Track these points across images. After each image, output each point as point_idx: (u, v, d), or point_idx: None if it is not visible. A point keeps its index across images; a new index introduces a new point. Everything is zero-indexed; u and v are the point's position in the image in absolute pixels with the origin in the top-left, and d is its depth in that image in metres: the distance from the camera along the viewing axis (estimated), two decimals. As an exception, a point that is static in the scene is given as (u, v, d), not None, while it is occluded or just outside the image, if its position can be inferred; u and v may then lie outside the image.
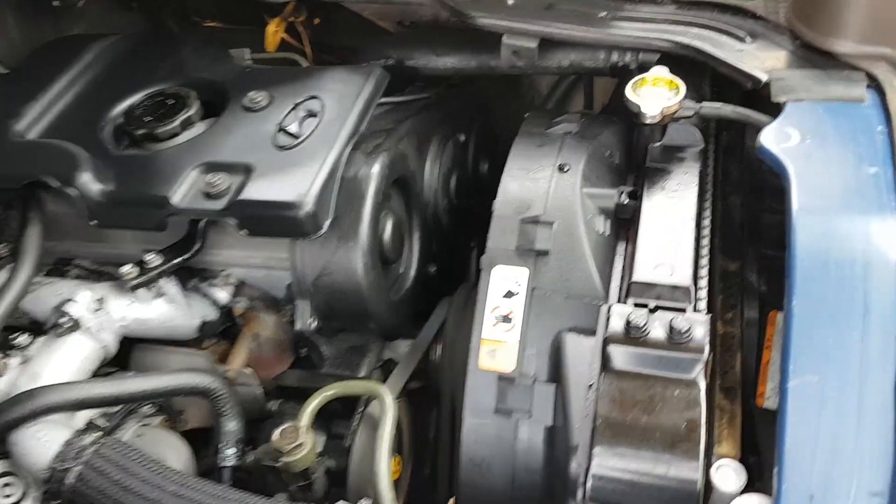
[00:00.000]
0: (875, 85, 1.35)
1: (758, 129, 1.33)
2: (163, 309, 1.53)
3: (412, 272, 1.73)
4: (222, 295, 1.63)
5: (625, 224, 1.45)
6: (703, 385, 1.13)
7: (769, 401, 1.29)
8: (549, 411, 1.25)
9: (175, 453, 1.45)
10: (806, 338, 1.07)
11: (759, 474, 1.15)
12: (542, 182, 1.45)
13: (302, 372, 1.62)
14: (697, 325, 1.17)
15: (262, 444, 1.45)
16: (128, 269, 1.48)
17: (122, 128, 1.65)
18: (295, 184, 1.43)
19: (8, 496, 1.29)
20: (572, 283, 1.35)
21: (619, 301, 1.31)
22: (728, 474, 1.12)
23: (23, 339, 1.42)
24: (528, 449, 1.25)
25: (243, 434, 1.44)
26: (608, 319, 1.22)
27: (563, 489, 1.17)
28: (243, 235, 1.44)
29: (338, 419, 1.54)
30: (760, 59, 1.44)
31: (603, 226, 1.43)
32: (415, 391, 1.68)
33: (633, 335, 1.18)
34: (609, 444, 1.11)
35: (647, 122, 1.38)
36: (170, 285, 1.53)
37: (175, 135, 1.59)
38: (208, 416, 1.54)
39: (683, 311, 1.20)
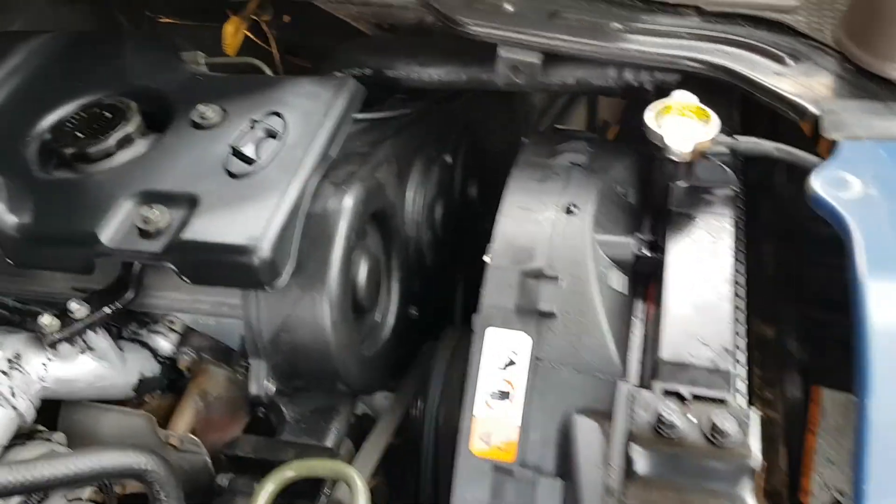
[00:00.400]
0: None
1: (803, 169, 1.11)
2: (91, 366, 1.29)
3: (390, 320, 1.50)
4: (165, 345, 1.40)
5: (642, 279, 1.22)
6: (751, 502, 0.90)
7: (816, 502, 1.07)
8: (554, 514, 1.03)
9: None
10: (890, 450, 0.85)
11: None
12: (545, 225, 1.22)
13: (258, 439, 1.38)
14: (745, 423, 0.94)
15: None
16: (48, 321, 1.22)
17: (49, 145, 1.39)
18: (248, 222, 1.18)
19: None
20: (583, 353, 1.12)
21: (639, 379, 1.09)
22: None
23: (-87, 407, 1.16)
24: (529, 561, 1.03)
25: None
26: (632, 410, 0.99)
27: None
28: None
29: (300, 500, 1.29)
30: (806, 86, 1.21)
31: (618, 281, 1.20)
32: (390, 448, 1.45)
33: (663, 433, 0.95)
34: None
35: (674, 158, 1.16)
36: (99, 339, 1.28)
37: (110, 154, 1.34)
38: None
39: (724, 401, 0.98)
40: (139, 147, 1.37)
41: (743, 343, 1.09)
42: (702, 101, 1.19)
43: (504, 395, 1.12)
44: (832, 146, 1.13)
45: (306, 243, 1.25)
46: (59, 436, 1.34)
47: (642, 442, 0.95)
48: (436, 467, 1.45)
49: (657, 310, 1.12)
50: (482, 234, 2.02)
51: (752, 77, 1.20)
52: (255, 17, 1.71)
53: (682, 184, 1.22)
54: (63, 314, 1.25)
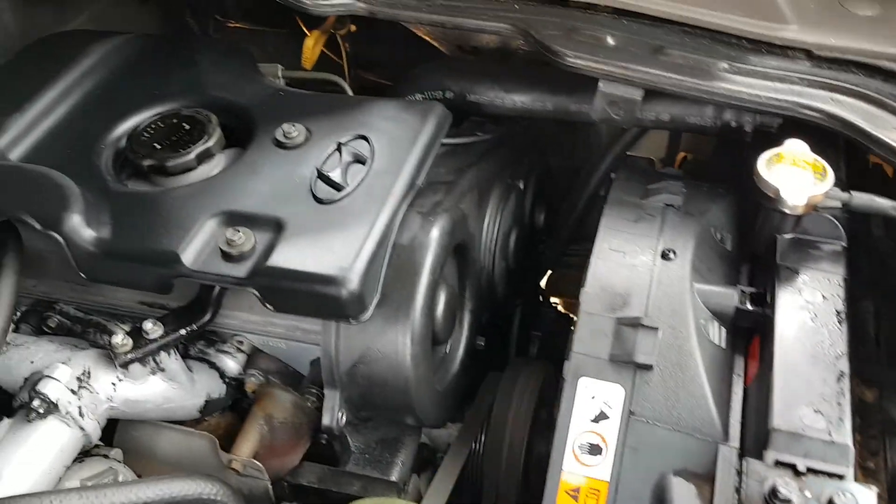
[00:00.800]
0: None
1: None
2: (161, 388, 1.25)
3: (460, 352, 1.45)
4: (232, 365, 1.35)
5: (742, 332, 1.17)
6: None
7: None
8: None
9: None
10: None
11: None
12: (641, 271, 1.17)
13: (323, 469, 1.34)
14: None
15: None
16: (120, 340, 1.19)
17: (124, 153, 1.36)
18: (336, 251, 1.14)
19: None
20: (681, 410, 1.07)
21: (740, 443, 1.04)
22: None
23: (-18, 421, 1.13)
24: None
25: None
26: (741, 479, 0.94)
27: None
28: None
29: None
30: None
31: (717, 334, 1.15)
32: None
33: (778, 510, 0.90)
34: None
35: (786, 210, 1.10)
36: (170, 360, 1.24)
37: (189, 169, 1.30)
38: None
39: (842, 477, 0.92)
40: (218, 162, 1.33)
41: (848, 408, 1.04)
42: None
43: (595, 450, 1.07)
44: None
45: (391, 274, 1.21)
46: (115, 452, 1.30)
47: (757, 518, 0.90)
48: (497, 504, 1.40)
49: (762, 369, 1.07)
50: (542, 260, 2.00)
51: (869, 131, 1.15)
52: (332, 31, 1.66)
53: (788, 236, 1.17)
54: (136, 332, 1.21)
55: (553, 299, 2.36)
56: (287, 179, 1.26)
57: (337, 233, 1.17)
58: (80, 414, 1.16)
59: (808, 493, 0.91)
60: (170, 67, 1.49)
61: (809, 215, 1.16)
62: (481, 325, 1.53)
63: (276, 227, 1.18)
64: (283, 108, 1.38)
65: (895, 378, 1.19)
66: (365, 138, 1.30)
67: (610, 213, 1.25)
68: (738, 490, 0.95)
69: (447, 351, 1.43)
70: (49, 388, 1.14)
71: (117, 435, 1.34)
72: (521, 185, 1.68)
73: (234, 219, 1.20)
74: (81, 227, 1.18)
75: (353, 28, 1.85)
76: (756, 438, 1.00)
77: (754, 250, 1.24)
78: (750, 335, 1.16)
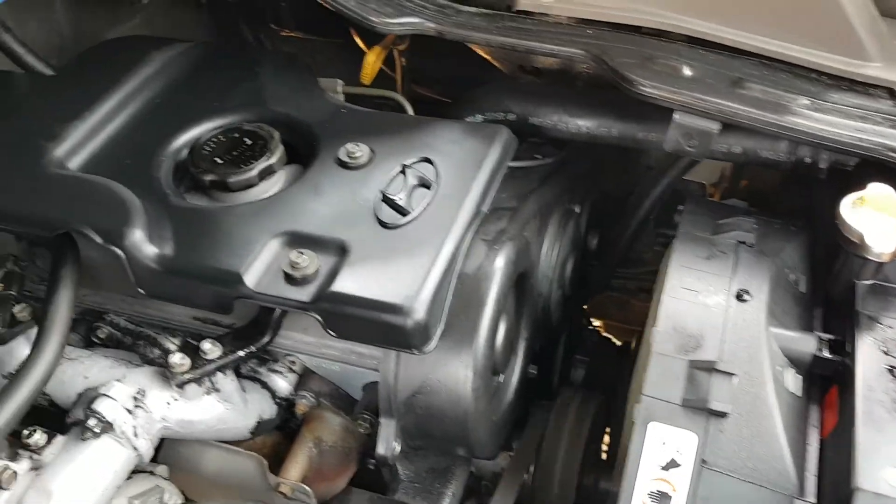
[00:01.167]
0: None
1: None
2: (215, 408, 1.23)
3: (514, 381, 1.42)
4: (283, 385, 1.33)
5: (817, 381, 1.13)
6: None
7: None
8: None
9: None
10: None
11: None
12: (715, 312, 1.14)
13: (371, 497, 1.31)
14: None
15: None
16: (178, 360, 1.16)
17: (184, 166, 1.34)
18: (402, 279, 1.11)
19: None
20: (755, 461, 1.03)
21: (817, 499, 1.00)
22: None
23: (38, 437, 1.10)
24: None
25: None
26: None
27: None
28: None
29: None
30: None
31: (793, 382, 1.11)
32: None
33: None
34: None
35: (870, 257, 1.06)
36: (226, 381, 1.22)
37: (250, 186, 1.27)
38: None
39: (933, 546, 0.89)
40: (279, 180, 1.31)
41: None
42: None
43: (664, 498, 1.03)
44: None
45: (455, 304, 1.17)
46: (161, 469, 1.28)
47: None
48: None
49: (841, 422, 1.03)
50: (591, 285, 1.97)
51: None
52: (392, 46, 1.63)
53: (868, 282, 1.13)
54: (193, 352, 1.19)
55: (595, 321, 2.33)
56: (350, 201, 1.23)
57: (402, 259, 1.14)
58: (135, 434, 1.14)
59: (896, 561, 0.87)
60: (230, 78, 1.47)
61: (892, 263, 1.12)
62: (534, 354, 1.50)
63: (340, 251, 1.15)
64: (346, 126, 1.35)
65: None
66: (429, 161, 1.27)
67: (681, 249, 1.22)
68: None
69: (501, 380, 1.40)
70: (105, 408, 1.12)
71: (163, 451, 1.32)
72: (578, 209, 1.65)
73: (298, 240, 1.17)
74: (143, 243, 1.16)
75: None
76: (836, 497, 0.97)
77: (830, 294, 1.20)
78: (826, 384, 1.12)
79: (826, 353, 1.11)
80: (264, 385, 1.32)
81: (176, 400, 1.19)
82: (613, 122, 1.43)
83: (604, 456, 1.58)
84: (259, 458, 1.31)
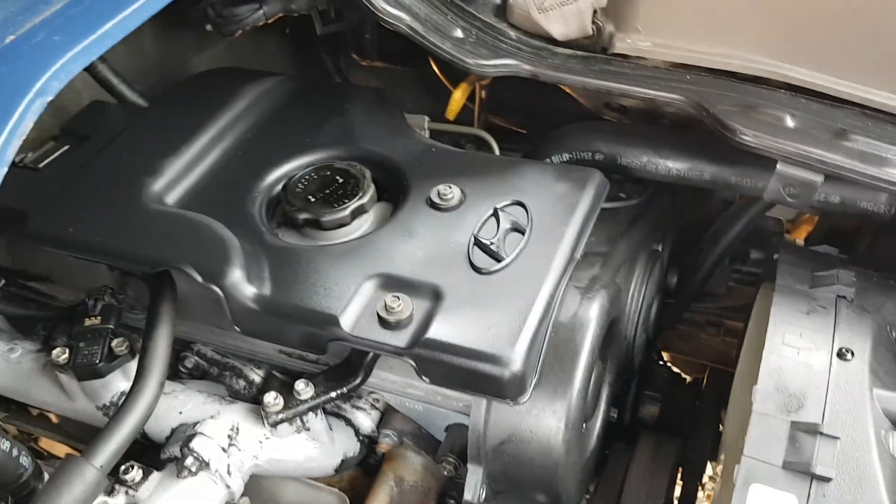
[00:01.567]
0: None
1: None
2: (304, 447, 1.24)
3: (598, 427, 1.40)
4: (366, 423, 1.33)
5: (923, 446, 1.09)
6: None
7: None
8: None
9: None
10: None
11: None
12: (817, 370, 1.11)
13: (451, 537, 1.31)
14: None
15: None
16: (272, 400, 1.17)
17: (276, 202, 1.35)
18: (498, 329, 1.10)
19: None
20: (860, 528, 1.00)
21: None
22: None
23: (134, 473, 1.12)
24: None
25: None
26: None
27: None
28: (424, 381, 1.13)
29: None
30: None
31: (897, 446, 1.08)
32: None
33: None
34: None
35: (985, 322, 1.03)
36: (316, 420, 1.22)
37: (343, 225, 1.28)
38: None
39: None
40: (370, 220, 1.32)
41: None
42: None
43: (765, 562, 1.01)
44: None
45: (549, 353, 1.17)
46: (244, 501, 1.29)
47: None
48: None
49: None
50: (664, 321, 1.94)
51: None
52: (478, 81, 1.64)
53: (979, 346, 1.09)
54: (286, 392, 1.20)
55: (663, 354, 2.30)
56: (443, 244, 1.23)
57: (497, 306, 1.13)
58: (228, 472, 1.15)
59: None
60: (321, 114, 1.48)
61: None
62: (616, 397, 1.48)
63: (434, 296, 1.15)
64: (436, 165, 1.36)
65: None
66: (521, 204, 1.27)
67: (781, 303, 1.19)
68: None
69: (586, 426, 1.39)
70: (202, 446, 1.14)
71: (246, 484, 1.33)
72: (660, 248, 1.63)
73: (392, 283, 1.18)
74: (241, 283, 1.17)
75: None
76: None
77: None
78: (933, 450, 1.09)
79: (933, 419, 1.08)
80: (348, 422, 1.33)
81: (268, 438, 1.20)
82: (706, 166, 1.41)
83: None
84: (341, 494, 1.32)
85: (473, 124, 1.87)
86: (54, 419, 1.57)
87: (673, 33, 1.32)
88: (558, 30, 1.38)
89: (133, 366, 1.20)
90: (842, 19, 1.25)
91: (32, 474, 1.08)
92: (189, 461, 1.11)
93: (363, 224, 1.31)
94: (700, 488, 1.65)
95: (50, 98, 0.97)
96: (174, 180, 1.34)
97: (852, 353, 1.12)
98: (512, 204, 1.27)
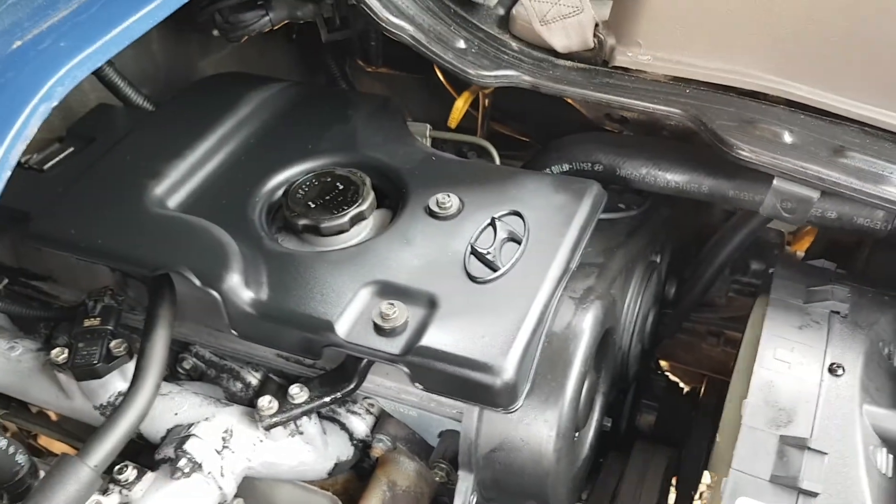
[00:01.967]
0: None
1: None
2: (297, 451, 1.25)
3: (590, 436, 1.41)
4: (361, 427, 1.35)
5: (911, 463, 1.10)
6: None
7: None
8: None
9: None
10: None
11: None
12: (808, 385, 1.12)
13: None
14: None
15: None
16: (266, 404, 1.19)
17: (277, 208, 1.37)
18: (491, 337, 1.11)
19: None
20: (846, 544, 1.01)
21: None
22: None
23: (129, 473, 1.14)
24: None
25: None
26: None
27: None
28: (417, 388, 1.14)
29: None
30: None
31: (885, 462, 1.08)
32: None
33: None
34: None
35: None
36: (310, 424, 1.24)
37: (342, 231, 1.29)
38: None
39: None
40: (369, 226, 1.33)
41: None
42: None
43: (751, 576, 1.02)
44: None
45: (542, 362, 1.18)
46: (237, 502, 1.30)
47: None
48: None
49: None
50: (662, 331, 1.94)
51: None
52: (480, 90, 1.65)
53: (970, 365, 1.10)
54: (281, 395, 1.21)
55: (662, 362, 2.30)
56: (440, 252, 1.24)
57: (491, 316, 1.14)
58: (221, 474, 1.17)
59: None
60: (324, 120, 1.50)
61: None
62: (609, 406, 1.49)
63: (429, 304, 1.17)
64: (435, 174, 1.37)
65: None
66: (519, 215, 1.28)
67: (774, 317, 1.20)
68: None
69: (578, 436, 1.40)
70: (195, 448, 1.15)
71: (239, 486, 1.34)
72: (658, 259, 1.63)
73: (388, 290, 1.19)
74: (240, 287, 1.18)
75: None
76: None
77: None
78: (921, 467, 1.10)
79: (923, 437, 1.08)
80: (343, 426, 1.34)
81: (262, 441, 1.21)
82: (704, 179, 1.42)
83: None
84: (334, 497, 1.33)
85: (477, 131, 1.88)
86: (53, 417, 1.58)
87: (673, 47, 1.33)
88: (560, 42, 1.39)
89: (131, 367, 1.22)
90: (842, 36, 1.25)
91: (28, 472, 1.10)
92: (182, 462, 1.13)
93: (362, 231, 1.32)
94: (697, 497, 1.65)
95: (55, 104, 0.99)
96: (176, 184, 1.36)
97: (843, 369, 1.13)
98: (509, 214, 1.28)
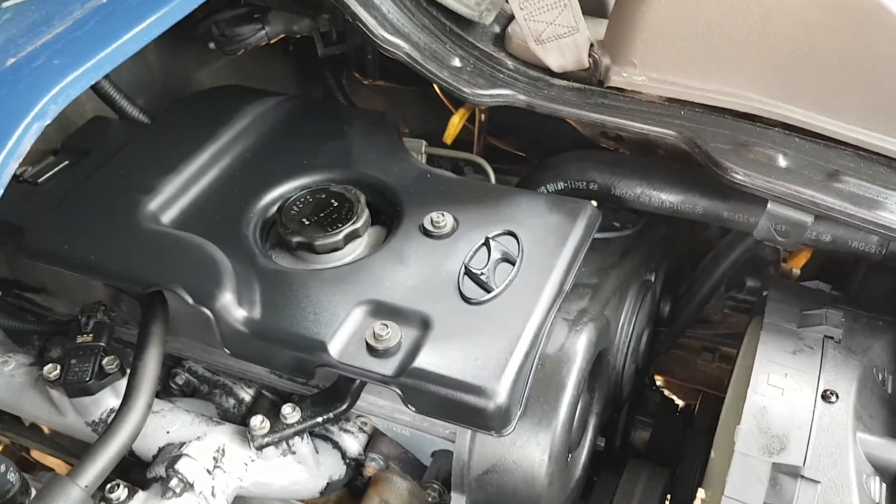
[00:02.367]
0: None
1: None
2: (290, 470, 1.24)
3: (584, 456, 1.41)
4: (353, 446, 1.34)
5: (903, 490, 1.10)
6: None
7: None
8: None
9: None
10: None
11: None
12: (801, 412, 1.12)
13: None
14: None
15: None
16: (258, 424, 1.18)
17: (271, 224, 1.36)
18: (485, 360, 1.11)
19: None
20: (838, 573, 1.01)
21: None
22: None
23: (120, 492, 1.13)
24: None
25: None
26: None
27: None
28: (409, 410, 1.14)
29: None
30: None
31: (877, 490, 1.08)
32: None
33: None
34: None
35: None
36: (302, 444, 1.23)
37: (336, 249, 1.29)
38: None
39: None
40: (363, 244, 1.33)
41: None
42: None
43: None
44: None
45: (534, 385, 1.18)
46: (230, 521, 1.30)
47: None
48: None
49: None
50: (657, 348, 1.94)
51: None
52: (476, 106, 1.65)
53: (963, 393, 1.10)
54: (273, 415, 1.21)
55: (656, 378, 2.30)
56: (433, 272, 1.24)
57: (484, 337, 1.14)
58: (213, 493, 1.16)
59: None
60: (319, 136, 1.50)
61: None
62: (603, 426, 1.49)
63: (423, 325, 1.16)
64: (430, 192, 1.36)
65: None
66: (513, 234, 1.28)
67: (768, 342, 1.20)
68: None
69: (571, 457, 1.39)
70: (187, 468, 1.14)
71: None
72: (653, 278, 1.63)
73: (381, 310, 1.19)
74: (232, 306, 1.18)
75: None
76: None
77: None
78: (914, 495, 1.09)
79: (916, 466, 1.08)
80: (335, 445, 1.34)
81: (253, 461, 1.21)
82: (699, 200, 1.42)
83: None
84: (324, 516, 1.33)
85: (474, 145, 1.88)
86: (46, 431, 1.58)
87: (669, 69, 1.33)
88: (555, 61, 1.39)
89: (123, 384, 1.21)
90: (837, 60, 1.25)
91: (19, 490, 1.09)
92: (174, 482, 1.12)
93: (356, 248, 1.32)
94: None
95: (48, 121, 0.99)
96: (170, 199, 1.35)
97: (837, 396, 1.13)
98: (503, 234, 1.28)
